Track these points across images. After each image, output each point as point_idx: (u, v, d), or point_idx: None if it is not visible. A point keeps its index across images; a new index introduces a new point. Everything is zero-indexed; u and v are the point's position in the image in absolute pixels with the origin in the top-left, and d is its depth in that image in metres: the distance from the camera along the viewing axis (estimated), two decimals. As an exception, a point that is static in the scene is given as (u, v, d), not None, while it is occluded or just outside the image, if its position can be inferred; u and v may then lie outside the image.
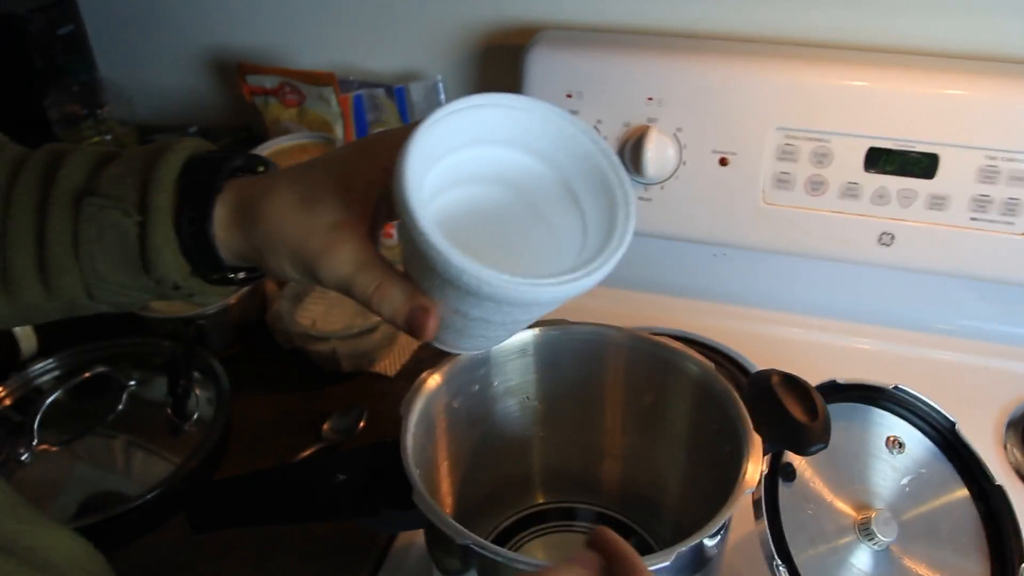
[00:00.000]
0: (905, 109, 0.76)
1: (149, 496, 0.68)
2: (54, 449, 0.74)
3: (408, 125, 0.42)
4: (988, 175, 0.76)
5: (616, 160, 0.43)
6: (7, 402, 0.79)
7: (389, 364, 0.85)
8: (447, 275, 0.39)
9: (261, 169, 0.49)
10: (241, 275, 0.49)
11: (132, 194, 0.45)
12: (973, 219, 0.78)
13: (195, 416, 0.77)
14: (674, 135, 0.81)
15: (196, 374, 0.80)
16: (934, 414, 0.65)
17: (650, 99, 0.81)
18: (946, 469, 0.63)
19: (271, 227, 0.44)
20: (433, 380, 0.58)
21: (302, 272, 0.44)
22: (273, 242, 0.44)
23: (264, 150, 0.87)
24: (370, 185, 0.43)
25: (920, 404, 0.66)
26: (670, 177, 0.83)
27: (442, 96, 0.96)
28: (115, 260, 0.46)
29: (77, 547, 0.49)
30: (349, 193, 0.43)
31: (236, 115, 1.09)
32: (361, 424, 0.78)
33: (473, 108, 0.42)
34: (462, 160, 0.43)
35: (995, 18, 0.80)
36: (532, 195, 0.45)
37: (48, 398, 0.76)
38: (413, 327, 0.43)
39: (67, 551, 0.48)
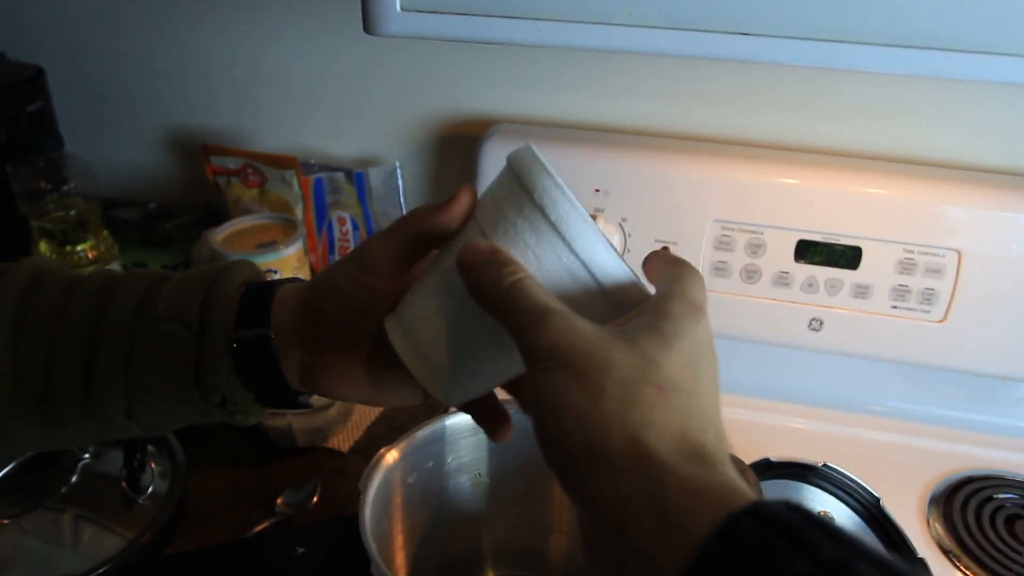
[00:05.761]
0: (832, 205, 0.81)
1: (100, 571, 0.67)
2: (4, 522, 0.73)
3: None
4: (907, 267, 0.81)
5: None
6: (-43, 475, 0.78)
7: (343, 440, 0.86)
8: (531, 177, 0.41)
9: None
10: (303, 397, 0.49)
11: (193, 307, 0.46)
12: (894, 307, 0.83)
13: (149, 490, 0.76)
14: (620, 224, 0.85)
15: (151, 447, 0.80)
16: (861, 491, 0.69)
17: (597, 190, 0.85)
18: (872, 543, 0.67)
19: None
20: (391, 456, 0.60)
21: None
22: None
23: (226, 229, 0.89)
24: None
25: (847, 481, 0.70)
26: (616, 263, 0.86)
27: (399, 181, 0.99)
28: (165, 373, 0.46)
29: None
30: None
31: (198, 193, 1.10)
32: (315, 499, 0.78)
33: None
34: None
35: (913, 124, 0.86)
36: None
37: (-1, 471, 0.75)
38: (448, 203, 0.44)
39: None
